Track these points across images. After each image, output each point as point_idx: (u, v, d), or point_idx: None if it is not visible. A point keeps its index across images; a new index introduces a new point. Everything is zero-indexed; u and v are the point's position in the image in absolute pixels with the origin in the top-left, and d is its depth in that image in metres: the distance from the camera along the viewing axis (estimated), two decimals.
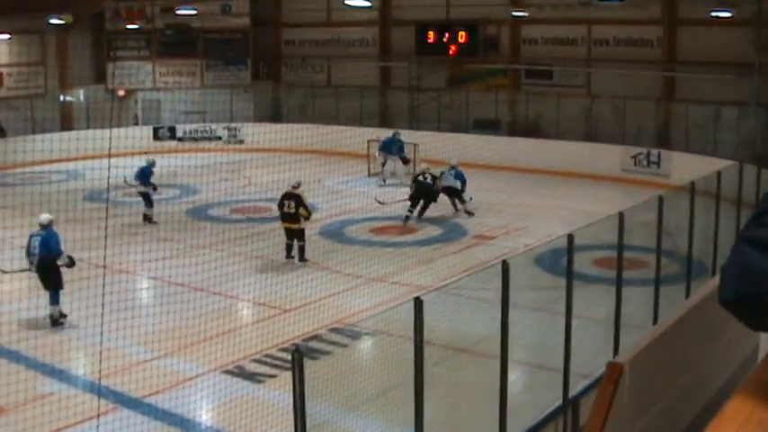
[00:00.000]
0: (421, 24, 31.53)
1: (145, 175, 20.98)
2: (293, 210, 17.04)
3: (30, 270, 13.83)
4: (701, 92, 25.96)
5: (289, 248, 17.31)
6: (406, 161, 26.02)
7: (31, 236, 13.87)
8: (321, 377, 8.05)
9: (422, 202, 20.60)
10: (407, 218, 20.33)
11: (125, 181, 21.09)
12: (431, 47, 31.22)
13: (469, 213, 21.21)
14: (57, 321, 13.46)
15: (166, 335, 12.50)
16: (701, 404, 5.85)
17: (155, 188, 21.12)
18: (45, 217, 14.08)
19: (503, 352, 8.20)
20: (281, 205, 17.30)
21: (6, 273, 14.21)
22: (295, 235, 17.25)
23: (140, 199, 21.08)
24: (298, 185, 17.35)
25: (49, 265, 13.61)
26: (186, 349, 12.39)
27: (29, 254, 13.73)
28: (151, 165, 21.22)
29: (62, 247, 13.74)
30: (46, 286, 13.59)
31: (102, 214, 17.31)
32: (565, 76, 29.70)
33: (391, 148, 26.17)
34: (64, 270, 13.72)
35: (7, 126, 30.49)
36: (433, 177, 20.85)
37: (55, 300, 13.48)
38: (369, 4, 29.09)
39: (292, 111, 34.65)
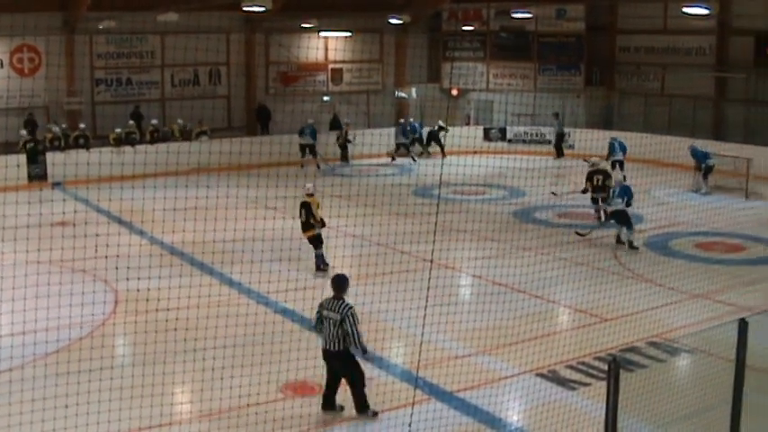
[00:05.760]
0: (761, 34, 29.65)
1: None
2: (304, 218, 16.72)
3: None
4: None
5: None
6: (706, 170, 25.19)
7: None
8: (635, 390, 7.86)
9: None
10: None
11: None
12: None
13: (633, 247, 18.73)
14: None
15: (484, 333, 12.70)
16: None
17: None
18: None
19: None
20: (299, 214, 16.95)
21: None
22: (311, 242, 16.85)
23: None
24: (311, 194, 16.90)
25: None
26: (502, 349, 12.52)
27: None
28: None
29: None
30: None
31: (428, 210, 17.97)
32: None
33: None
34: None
35: (350, 120, 32.30)
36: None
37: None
38: (707, 12, 27.84)
39: (624, 118, 33.89)
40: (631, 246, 18.62)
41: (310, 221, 16.62)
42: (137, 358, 12.14)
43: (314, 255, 16.80)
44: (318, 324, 10.27)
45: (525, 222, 21.72)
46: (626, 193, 18.53)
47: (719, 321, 12.55)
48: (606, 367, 6.56)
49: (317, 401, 10.64)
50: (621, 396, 6.51)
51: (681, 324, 13.51)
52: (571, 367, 11.87)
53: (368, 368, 11.74)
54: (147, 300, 13.39)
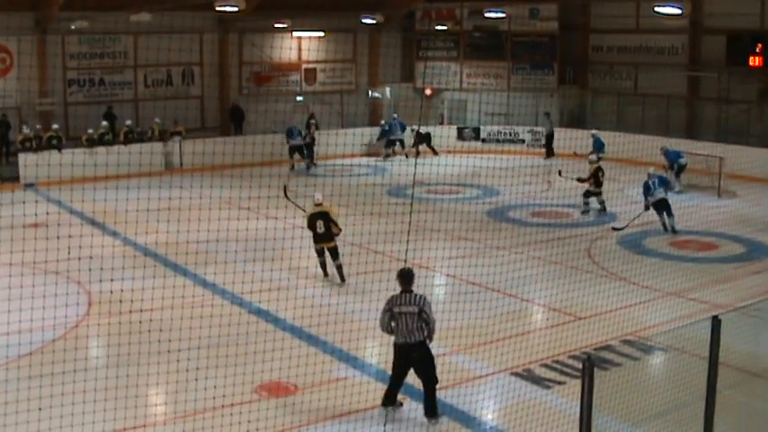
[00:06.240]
0: (733, 33, 29.89)
1: None
2: (323, 229, 15.80)
3: None
4: None
5: (323, 266, 16.28)
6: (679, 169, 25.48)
7: None
8: (609, 388, 7.89)
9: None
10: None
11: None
12: (742, 57, 29.49)
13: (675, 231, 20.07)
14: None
15: (459, 332, 12.70)
16: None
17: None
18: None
19: None
20: (311, 226, 15.99)
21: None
22: (331, 254, 16.05)
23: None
24: (321, 203, 16.06)
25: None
26: (477, 348, 12.55)
27: None
28: None
29: None
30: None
31: (402, 209, 17.93)
32: None
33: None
34: None
35: (320, 120, 32.30)
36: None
37: None
38: (679, 11, 28.04)
39: (597, 117, 34.03)
40: (674, 230, 19.99)
41: (331, 231, 15.88)
42: (111, 360, 12.07)
43: (335, 266, 15.99)
44: (390, 323, 10.23)
45: (499, 221, 21.76)
46: (664, 182, 20.35)
47: (693, 319, 12.65)
48: (581, 365, 6.58)
49: (291, 402, 10.62)
50: (596, 394, 6.53)
51: (655, 322, 13.60)
52: (546, 366, 11.91)
53: (342, 368, 11.80)
54: (121, 301, 13.29)
